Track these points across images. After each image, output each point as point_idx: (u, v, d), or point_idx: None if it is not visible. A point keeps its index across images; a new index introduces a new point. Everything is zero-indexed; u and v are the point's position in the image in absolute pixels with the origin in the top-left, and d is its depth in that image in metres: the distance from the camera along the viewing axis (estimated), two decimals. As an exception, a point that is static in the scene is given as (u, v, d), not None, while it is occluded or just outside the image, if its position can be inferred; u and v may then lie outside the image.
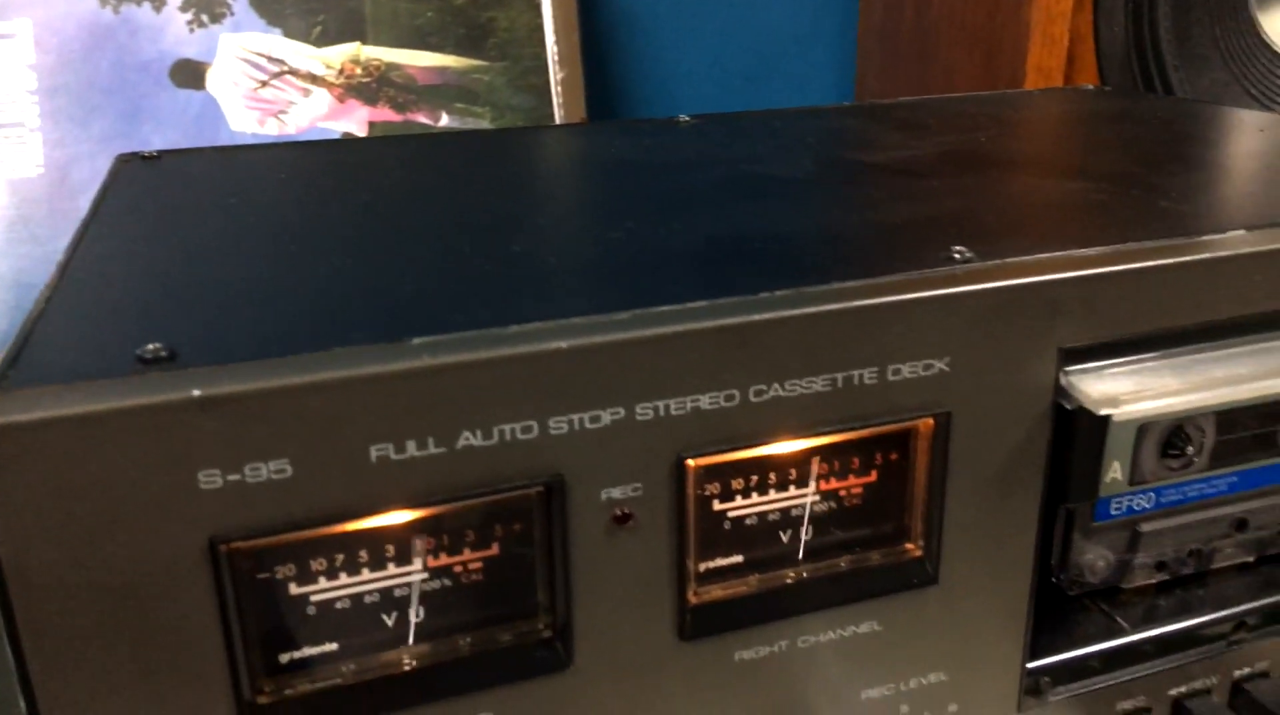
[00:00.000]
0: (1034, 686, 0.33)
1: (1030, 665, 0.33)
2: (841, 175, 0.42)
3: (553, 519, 0.26)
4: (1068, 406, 0.30)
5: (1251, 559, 0.39)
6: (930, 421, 0.29)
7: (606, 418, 0.25)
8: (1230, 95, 0.81)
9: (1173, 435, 0.36)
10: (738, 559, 0.29)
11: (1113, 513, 0.36)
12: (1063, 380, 0.30)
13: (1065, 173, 0.41)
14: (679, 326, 0.26)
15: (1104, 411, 0.29)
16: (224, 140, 0.88)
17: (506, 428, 0.25)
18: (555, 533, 0.26)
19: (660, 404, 0.26)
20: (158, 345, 0.24)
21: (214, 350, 0.24)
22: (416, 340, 0.24)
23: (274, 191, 0.40)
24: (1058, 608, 0.36)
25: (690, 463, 0.27)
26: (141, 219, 0.37)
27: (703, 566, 0.29)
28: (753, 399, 0.27)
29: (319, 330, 0.25)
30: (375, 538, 0.25)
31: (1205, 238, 0.31)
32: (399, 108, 0.91)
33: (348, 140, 0.52)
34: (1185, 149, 0.45)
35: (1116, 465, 0.35)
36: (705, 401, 0.26)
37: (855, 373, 0.28)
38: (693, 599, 0.28)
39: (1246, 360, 0.32)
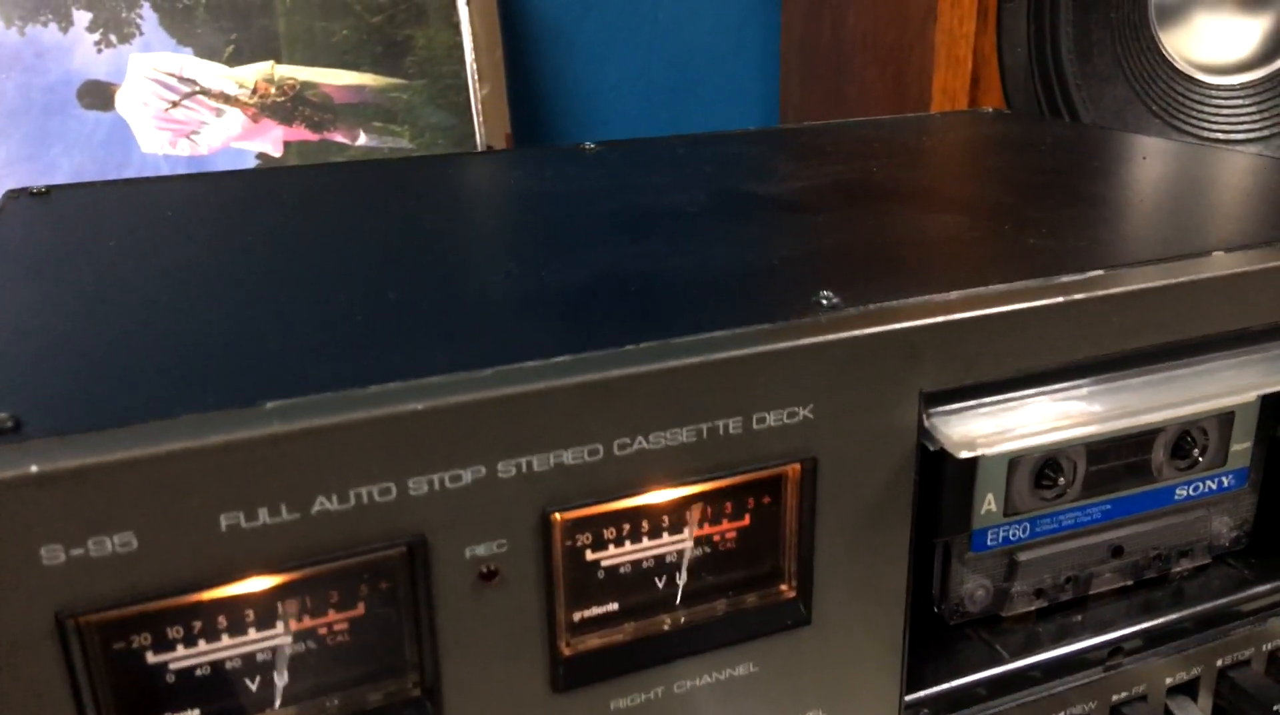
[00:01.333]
0: (913, 718, 0.34)
1: (909, 697, 0.34)
2: (730, 209, 0.42)
3: (416, 579, 0.26)
4: (930, 447, 0.31)
5: (1130, 583, 0.40)
6: (797, 467, 0.29)
7: (468, 476, 0.26)
8: (1133, 113, 0.84)
9: (1045, 466, 0.37)
10: (612, 607, 0.30)
11: (989, 543, 0.37)
12: (925, 422, 0.31)
13: (944, 206, 0.42)
14: (540, 384, 0.26)
15: (964, 453, 0.30)
16: (134, 162, 0.87)
17: (364, 490, 0.25)
18: (420, 592, 0.26)
19: (523, 461, 0.26)
20: (2, 415, 0.23)
21: (60, 418, 0.24)
22: (269, 404, 0.24)
23: (154, 232, 0.40)
24: (940, 638, 0.37)
25: (556, 517, 0.27)
26: (13, 265, 0.36)
27: (576, 616, 0.29)
28: (617, 452, 0.27)
29: (170, 393, 0.25)
30: (234, 604, 0.25)
31: (1063, 279, 0.32)
32: (315, 127, 0.90)
33: (241, 173, 0.51)
34: (1065, 179, 0.47)
35: (990, 497, 0.36)
36: (569, 456, 0.27)
37: (720, 423, 0.28)
38: (565, 650, 0.28)
39: (1104, 397, 0.33)
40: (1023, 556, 0.37)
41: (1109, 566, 0.39)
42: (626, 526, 0.29)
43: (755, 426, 0.29)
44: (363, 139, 0.91)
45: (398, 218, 0.42)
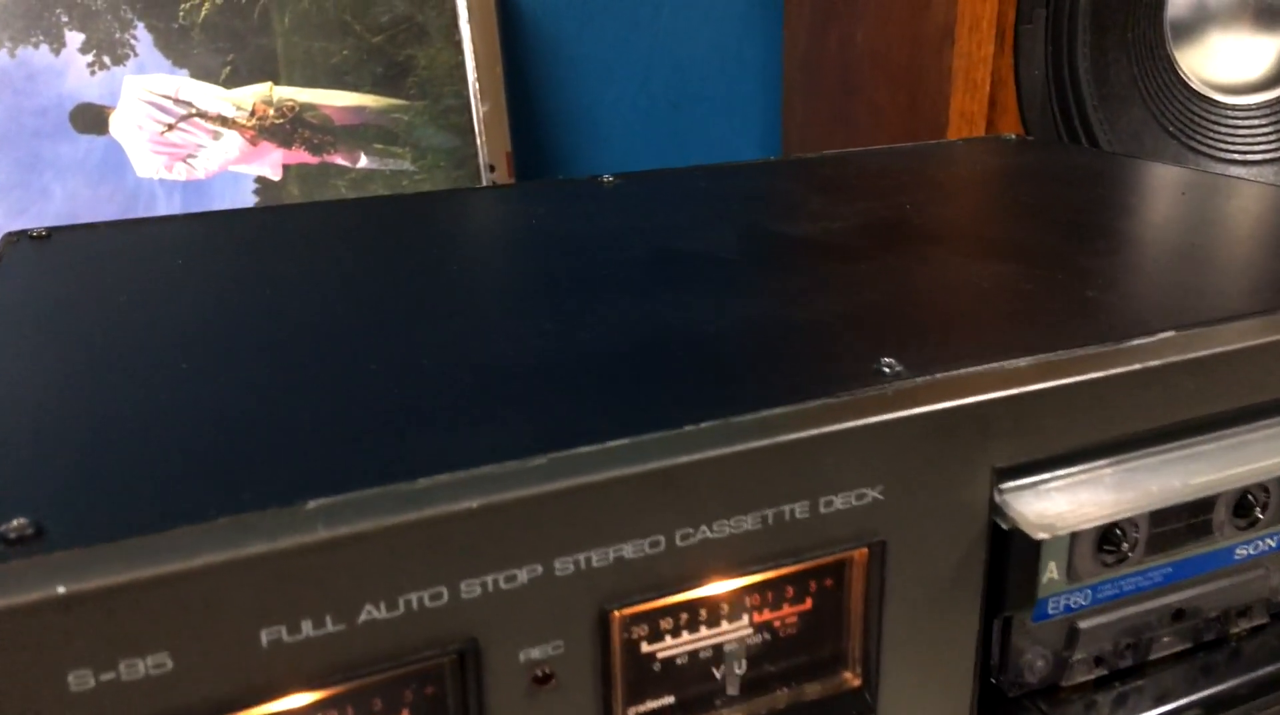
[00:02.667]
0: (977, 802, 0.33)
1: (973, 782, 0.32)
2: (766, 255, 0.41)
3: (467, 686, 0.24)
4: (1004, 526, 0.29)
5: (1189, 646, 0.39)
6: (864, 551, 0.28)
7: (523, 576, 0.24)
8: (1149, 134, 0.82)
9: (1108, 531, 0.35)
10: (669, 700, 0.28)
11: (1050, 612, 0.35)
12: (997, 499, 0.29)
13: (990, 252, 0.41)
14: (599, 475, 0.24)
15: (1041, 536, 0.28)
16: (129, 187, 0.85)
17: (414, 596, 0.23)
18: (470, 700, 0.24)
19: (581, 557, 0.24)
20: (23, 521, 0.21)
21: (83, 522, 0.22)
22: (312, 504, 0.22)
23: (167, 288, 0.38)
24: (997, 710, 0.36)
25: (615, 614, 0.25)
26: (17, 330, 0.34)
27: (631, 712, 0.27)
28: (679, 543, 0.25)
29: (202, 489, 0.23)
30: (273, 717, 0.23)
31: (1134, 343, 0.31)
32: (315, 149, 0.88)
33: (250, 212, 0.49)
34: (1108, 219, 0.45)
35: (1053, 565, 0.34)
36: (629, 550, 0.25)
37: (786, 508, 0.26)
38: (621, 751, 0.27)
39: (1180, 465, 0.31)
40: (1084, 624, 0.36)
41: (1169, 630, 0.38)
42: (684, 617, 0.27)
43: (823, 510, 0.27)
44: (364, 161, 0.89)
45: (421, 266, 0.40)
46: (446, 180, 0.91)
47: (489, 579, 0.23)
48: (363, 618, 0.22)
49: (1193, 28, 0.85)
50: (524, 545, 0.24)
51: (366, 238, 0.45)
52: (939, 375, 0.29)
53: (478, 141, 0.92)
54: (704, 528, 0.26)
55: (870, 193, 0.52)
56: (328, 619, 0.22)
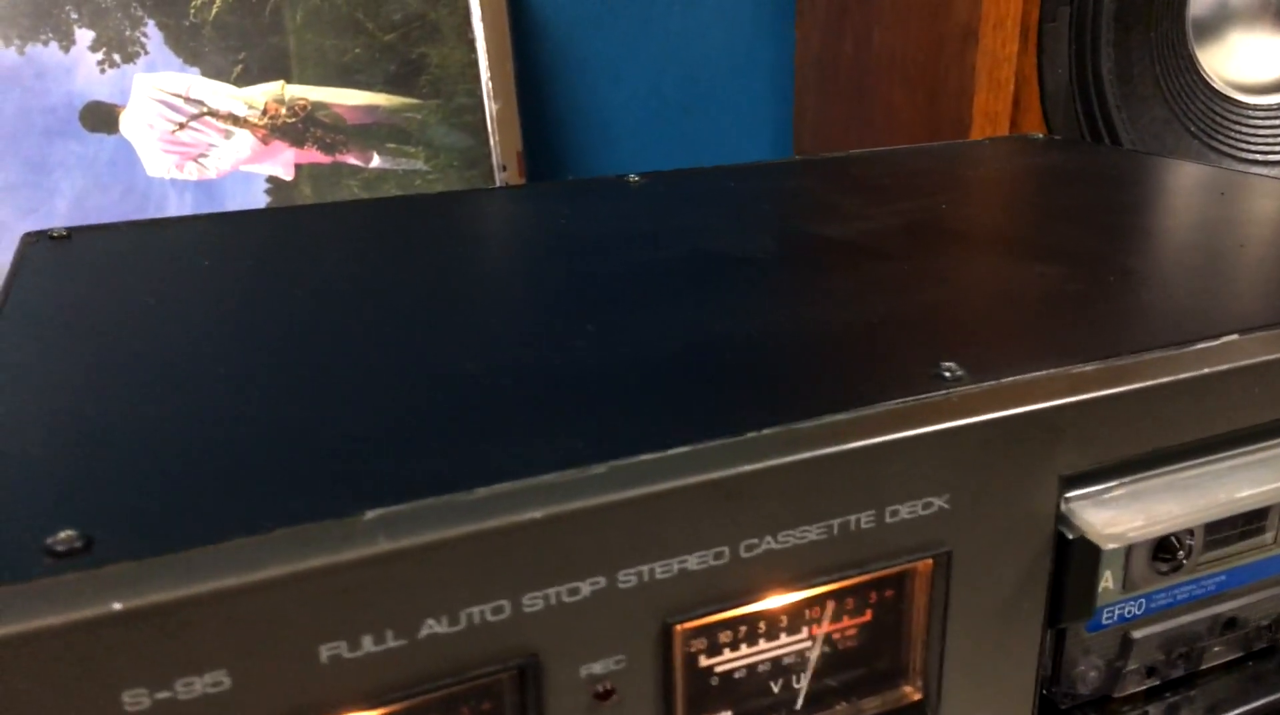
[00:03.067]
0: (1033, 815, 0.32)
1: (1031, 795, 0.31)
2: (806, 256, 0.40)
3: (527, 702, 0.23)
4: (1070, 536, 0.28)
5: (1239, 655, 0.38)
6: (930, 562, 0.27)
7: (586, 589, 0.23)
8: (1171, 134, 0.82)
9: (1164, 539, 0.34)
10: (731, 714, 0.27)
11: (1104, 622, 0.34)
12: (1063, 508, 0.28)
13: (1033, 252, 0.40)
14: (663, 484, 0.23)
15: (1110, 546, 0.27)
16: (139, 186, 0.84)
17: (476, 610, 0.22)
18: (530, 716, 0.23)
19: (644, 569, 0.23)
20: (70, 533, 0.21)
21: (135, 534, 0.21)
22: (370, 514, 0.21)
23: (197, 290, 0.37)
24: (1049, 722, 0.35)
25: (677, 628, 0.24)
26: (47, 333, 0.33)
27: (692, 728, 0.26)
28: (744, 555, 0.25)
29: (256, 498, 0.22)
30: (328, 735, 0.22)
31: (1200, 346, 0.30)
32: (327, 149, 0.87)
33: (263, 212, 0.49)
34: (1149, 220, 0.44)
35: (1109, 575, 0.34)
36: (693, 561, 0.24)
37: (852, 517, 0.26)
38: (681, 767, 0.26)
39: (1242, 473, 0.31)
40: (1137, 634, 0.35)
41: (1220, 640, 0.37)
42: (743, 630, 0.26)
43: (888, 519, 0.26)
44: (376, 161, 0.88)
45: (460, 268, 0.40)
46: (459, 180, 0.90)
47: (551, 592, 0.23)
48: (424, 633, 0.22)
49: (1214, 27, 0.84)
50: (587, 557, 0.23)
51: (401, 239, 0.44)
52: (1003, 380, 0.28)
53: (491, 141, 0.91)
54: (769, 538, 0.25)
55: (903, 193, 0.51)
56: (389, 634, 0.21)
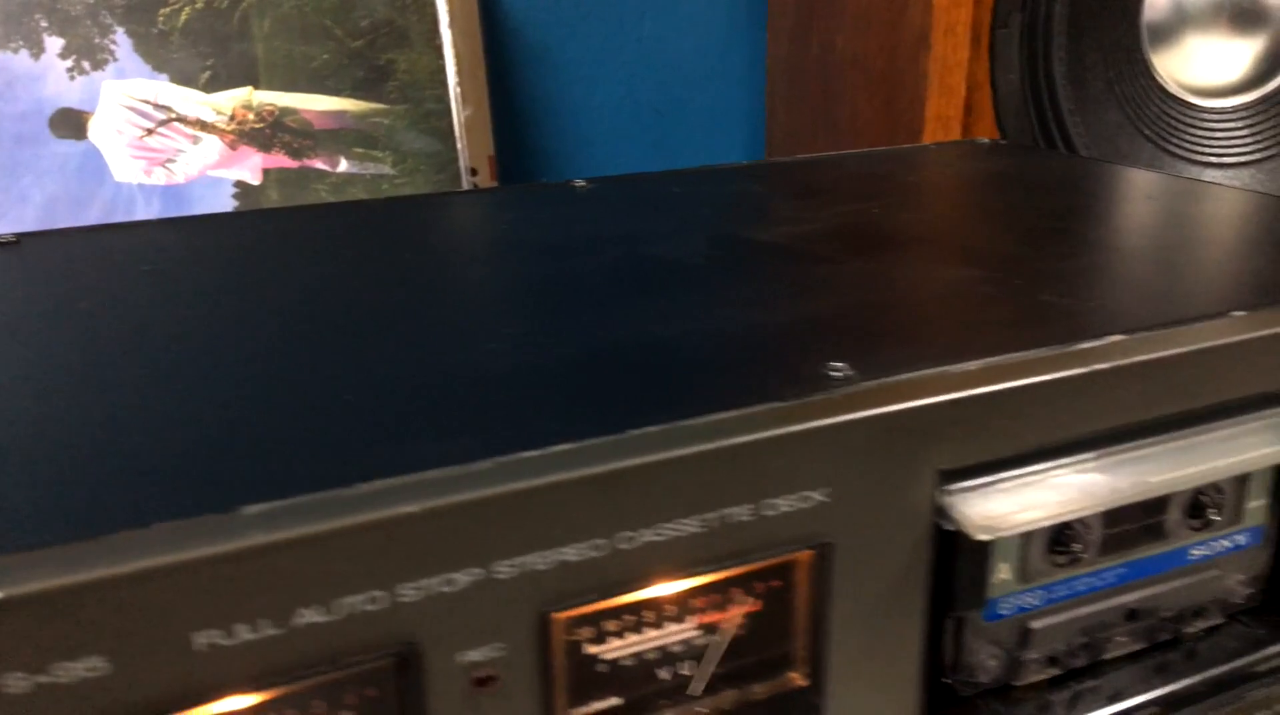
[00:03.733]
0: (928, 801, 0.33)
1: (924, 781, 0.32)
2: (731, 261, 0.41)
3: (407, 688, 0.24)
4: (948, 528, 0.29)
5: (1143, 646, 0.39)
6: (810, 553, 0.28)
7: (463, 580, 0.24)
8: (1126, 137, 0.83)
9: (1061, 532, 0.35)
10: (615, 702, 0.28)
11: (1002, 612, 0.36)
12: (941, 501, 0.29)
13: (951, 256, 0.41)
14: (541, 478, 0.24)
15: (982, 536, 0.28)
16: (108, 192, 0.85)
17: (351, 600, 0.23)
18: (409, 702, 0.24)
19: (521, 560, 0.25)
20: (-43, 525, 0.22)
21: (20, 527, 0.22)
22: (249, 510, 0.22)
23: (129, 294, 0.38)
24: (949, 711, 0.36)
25: (556, 617, 0.25)
26: (-24, 335, 0.34)
27: (576, 713, 0.27)
28: (621, 546, 0.26)
29: (141, 496, 0.23)
30: (213, 720, 0.23)
31: (1082, 346, 0.31)
32: (295, 154, 0.88)
33: (219, 217, 0.50)
34: (1071, 224, 0.46)
35: (1004, 566, 0.35)
36: (570, 553, 0.25)
37: (730, 511, 0.27)
38: (566, 752, 0.27)
39: (1126, 468, 0.32)
40: (1036, 624, 0.36)
41: (1123, 630, 0.38)
42: (630, 619, 0.27)
43: (766, 513, 0.27)
44: (344, 165, 0.89)
45: (383, 273, 0.41)
46: (427, 184, 0.91)
47: (427, 583, 0.24)
48: (298, 622, 0.23)
49: (1169, 31, 0.85)
50: (463, 549, 0.24)
51: (331, 244, 0.45)
52: (884, 379, 0.29)
53: (458, 146, 0.92)
54: (645, 531, 0.26)
55: (840, 197, 0.52)
56: (263, 623, 0.22)
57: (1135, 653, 0.39)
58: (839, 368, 0.30)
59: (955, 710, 0.36)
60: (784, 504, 0.27)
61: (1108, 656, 0.38)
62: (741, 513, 0.27)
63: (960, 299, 0.36)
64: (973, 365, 0.30)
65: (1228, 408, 0.34)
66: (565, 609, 0.25)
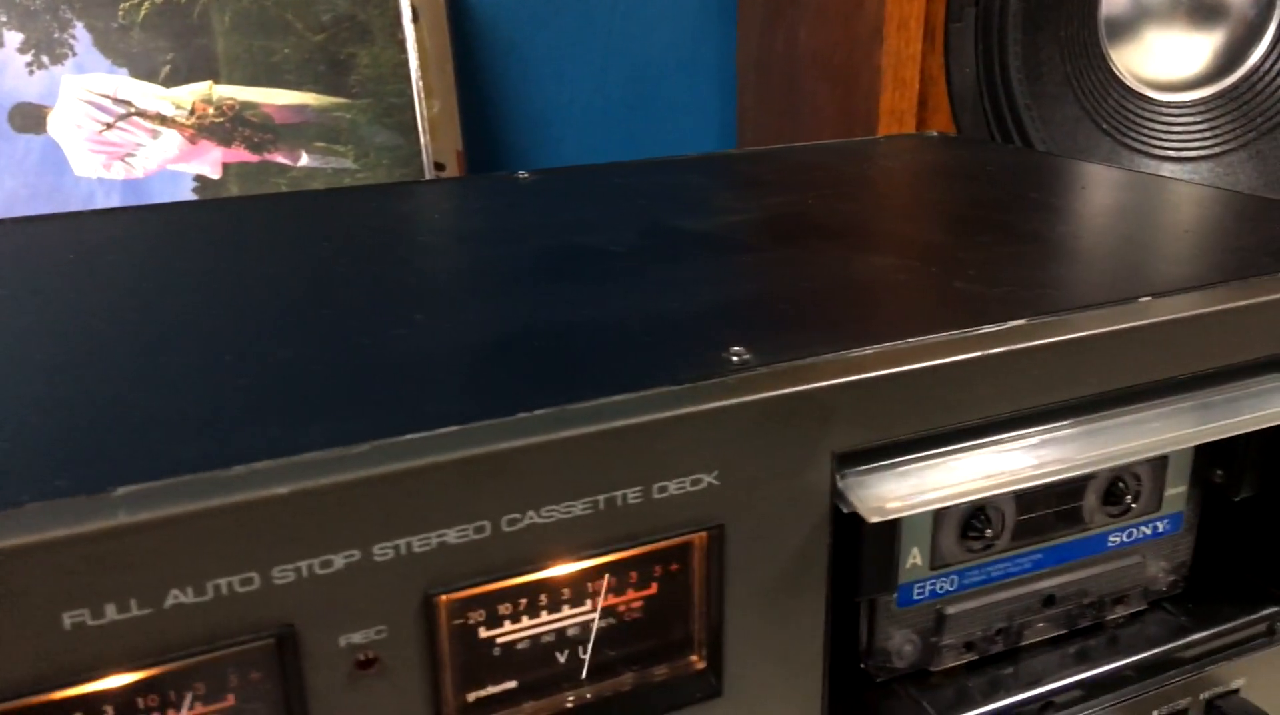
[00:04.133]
0: (836, 784, 0.33)
1: (830, 763, 0.32)
2: (656, 250, 0.41)
3: (287, 670, 0.24)
4: (844, 510, 0.29)
5: (1063, 632, 0.39)
6: (703, 535, 0.28)
7: (339, 562, 0.24)
8: (1083, 132, 0.83)
9: (973, 517, 0.35)
10: (510, 685, 0.28)
11: (915, 597, 0.36)
12: (839, 484, 0.29)
13: (876, 246, 0.41)
14: (419, 460, 0.24)
15: (874, 518, 0.28)
16: (67, 186, 0.84)
17: (222, 582, 0.23)
18: (290, 684, 0.24)
19: (401, 542, 0.25)
20: None
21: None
22: (119, 491, 0.22)
23: (40, 282, 0.38)
24: (865, 696, 0.36)
25: (440, 599, 0.25)
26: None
27: (470, 697, 0.27)
28: (506, 528, 0.26)
29: (14, 476, 0.23)
30: (88, 702, 0.23)
31: (981, 331, 0.31)
32: (255, 148, 0.88)
33: (147, 209, 0.50)
34: (1000, 215, 0.46)
35: (916, 551, 0.35)
36: (453, 535, 0.25)
37: (618, 493, 0.27)
38: (457, 734, 0.27)
39: (1023, 453, 0.32)
40: (950, 610, 0.36)
41: (1041, 616, 0.38)
42: (522, 602, 0.27)
43: (656, 495, 0.27)
44: (305, 160, 0.89)
45: (300, 261, 0.41)
46: (389, 178, 0.91)
47: (303, 565, 0.24)
48: (169, 602, 0.23)
49: (1128, 25, 0.86)
50: (339, 531, 0.24)
51: (255, 233, 0.45)
52: (780, 364, 0.29)
53: (421, 140, 0.92)
54: (531, 513, 0.26)
55: (779, 188, 0.52)
56: (132, 603, 0.22)
57: (1056, 639, 0.39)
58: (739, 353, 0.30)
59: (871, 695, 0.36)
60: (675, 486, 0.27)
61: (1027, 642, 0.38)
62: (630, 495, 0.27)
63: (873, 287, 0.36)
64: (869, 349, 0.30)
65: (1135, 393, 0.34)
66: (450, 591, 0.25)
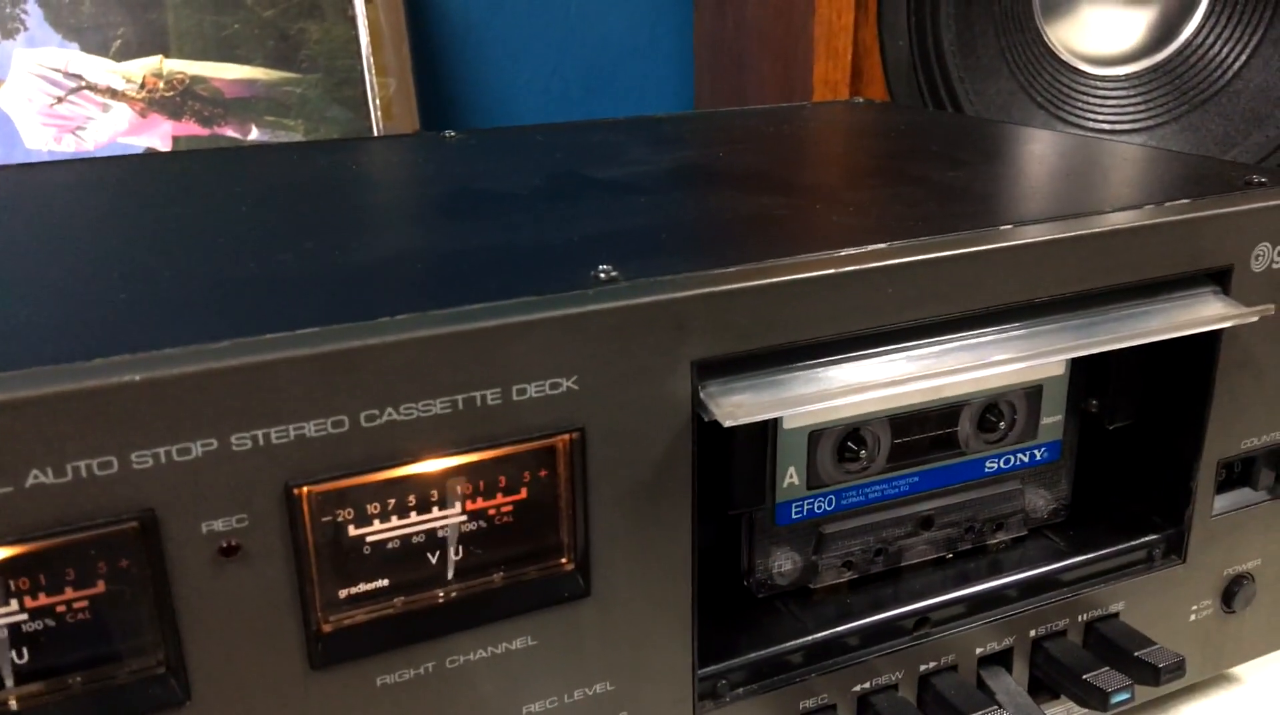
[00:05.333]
0: (710, 690, 0.34)
1: (703, 670, 0.34)
2: (555, 193, 0.42)
3: (150, 555, 0.26)
4: (705, 418, 0.31)
5: (945, 556, 0.41)
6: (565, 439, 0.30)
7: (198, 449, 0.25)
8: (1018, 105, 0.85)
9: (848, 439, 0.37)
10: (381, 583, 0.29)
11: (794, 516, 0.37)
12: (701, 393, 0.31)
13: (768, 189, 0.42)
14: (275, 354, 0.26)
15: (727, 422, 0.30)
16: (18, 158, 0.85)
17: (81, 464, 0.24)
18: (155, 568, 0.26)
19: (259, 433, 0.26)
20: None
21: None
22: (-17, 376, 0.24)
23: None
24: (748, 612, 0.37)
25: (301, 490, 0.27)
26: None
27: (341, 593, 0.29)
28: (364, 424, 0.27)
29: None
30: (-43, 581, 0.25)
31: (842, 252, 0.33)
32: (205, 121, 0.89)
33: (75, 162, 0.51)
34: (896, 164, 0.47)
35: (792, 470, 0.36)
36: (311, 429, 0.26)
37: (477, 394, 0.28)
38: (325, 626, 0.28)
39: (884, 367, 0.33)
40: (829, 529, 0.38)
41: (920, 540, 0.40)
42: (390, 502, 0.29)
43: (515, 397, 0.29)
44: (255, 134, 0.90)
45: (210, 205, 0.42)
46: (340, 153, 0.92)
47: (160, 451, 0.25)
48: (30, 482, 0.24)
49: (1063, 0, 0.87)
50: (196, 420, 0.25)
51: (171, 182, 0.46)
52: (643, 279, 0.30)
53: (372, 116, 0.93)
54: (390, 410, 0.27)
55: (694, 145, 0.54)
56: (-6, 481, 0.24)
57: (938, 561, 0.41)
58: (606, 270, 0.31)
59: (754, 609, 0.38)
60: (534, 390, 0.29)
61: (907, 564, 0.40)
62: (489, 396, 0.28)
63: (754, 220, 0.38)
64: (732, 268, 0.31)
65: (991, 316, 0.35)
66: (310, 484, 0.27)
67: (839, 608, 0.38)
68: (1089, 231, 0.35)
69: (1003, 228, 0.35)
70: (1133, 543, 0.42)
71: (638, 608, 0.32)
